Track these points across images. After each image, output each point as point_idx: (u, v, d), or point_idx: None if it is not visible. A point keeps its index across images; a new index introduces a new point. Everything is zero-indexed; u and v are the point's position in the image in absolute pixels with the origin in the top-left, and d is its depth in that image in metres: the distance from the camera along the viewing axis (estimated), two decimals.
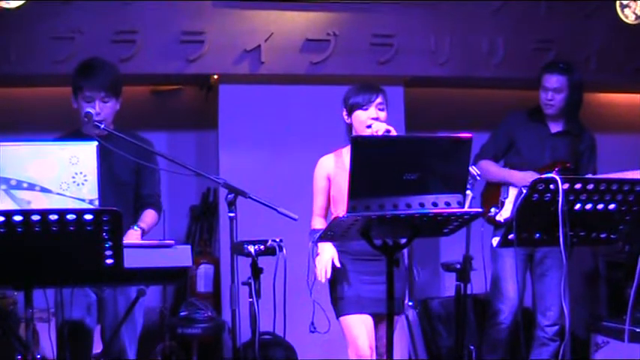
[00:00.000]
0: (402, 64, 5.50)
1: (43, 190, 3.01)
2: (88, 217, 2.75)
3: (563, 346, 3.33)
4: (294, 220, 3.52)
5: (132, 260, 2.97)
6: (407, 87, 5.61)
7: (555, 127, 4.89)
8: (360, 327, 3.76)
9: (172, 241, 3.27)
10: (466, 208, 3.11)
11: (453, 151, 3.06)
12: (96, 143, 3.11)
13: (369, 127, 3.78)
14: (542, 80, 4.84)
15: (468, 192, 3.13)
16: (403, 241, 3.27)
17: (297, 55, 5.37)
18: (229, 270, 3.42)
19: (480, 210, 3.23)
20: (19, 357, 3.47)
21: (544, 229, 3.24)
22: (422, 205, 3.02)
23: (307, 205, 3.68)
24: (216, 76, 5.45)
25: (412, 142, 3.23)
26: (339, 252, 3.77)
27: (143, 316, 3.97)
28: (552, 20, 5.71)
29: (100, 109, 3.76)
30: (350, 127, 3.90)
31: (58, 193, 3.02)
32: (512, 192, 4.83)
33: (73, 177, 3.04)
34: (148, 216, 3.92)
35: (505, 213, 4.82)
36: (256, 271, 3.41)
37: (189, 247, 3.30)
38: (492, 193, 4.90)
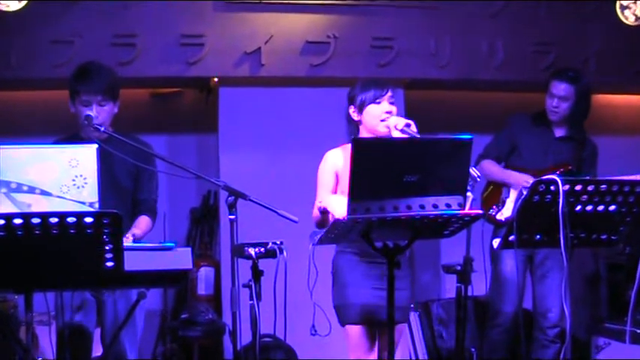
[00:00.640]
0: (402, 67, 5.50)
1: (44, 193, 3.01)
2: (89, 219, 2.76)
3: (564, 348, 3.33)
4: (295, 222, 3.51)
5: (132, 263, 2.97)
6: (407, 89, 5.61)
7: (559, 132, 4.89)
8: (362, 337, 3.69)
9: (173, 244, 3.26)
10: (466, 210, 3.11)
11: (454, 152, 3.06)
12: (96, 146, 3.11)
13: (383, 120, 3.65)
14: (550, 86, 4.81)
15: (469, 194, 3.12)
16: (404, 243, 3.27)
17: (297, 57, 5.37)
18: (230, 272, 3.41)
19: (480, 212, 3.22)
20: None
21: (545, 230, 3.24)
22: (422, 207, 3.02)
23: (308, 208, 3.67)
24: (216, 79, 5.45)
25: (412, 144, 3.23)
26: (347, 252, 3.71)
27: (144, 319, 3.97)
28: (552, 22, 5.71)
29: (98, 113, 3.76)
30: (356, 125, 3.76)
31: (59, 196, 3.02)
32: (514, 192, 4.84)
33: (73, 180, 3.04)
34: (142, 222, 3.91)
35: (506, 212, 4.82)
36: (257, 274, 3.41)
37: (189, 249, 3.30)
38: (494, 192, 4.91)
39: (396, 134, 3.57)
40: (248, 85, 5.45)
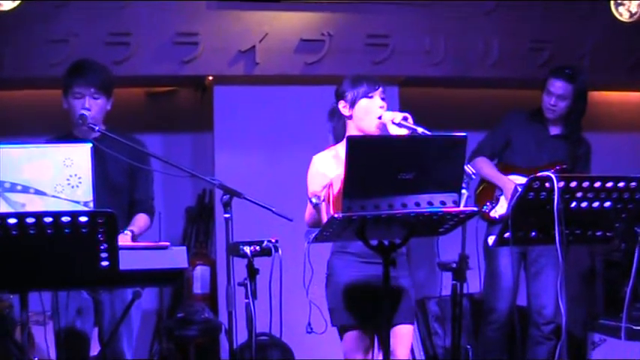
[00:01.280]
0: (396, 65, 5.50)
1: (38, 192, 3.00)
2: (83, 219, 2.74)
3: (559, 344, 3.34)
4: (290, 220, 3.52)
5: (127, 262, 2.96)
6: (402, 87, 5.61)
7: (555, 130, 4.89)
8: (358, 340, 3.65)
9: (168, 243, 3.26)
10: (461, 207, 3.11)
11: (449, 150, 3.06)
12: (90, 145, 3.10)
13: (378, 117, 3.58)
14: (548, 84, 4.78)
15: (464, 191, 3.12)
16: (399, 241, 3.27)
17: (291, 55, 5.37)
18: (225, 271, 3.41)
19: (475, 209, 3.21)
20: None
21: (540, 227, 3.24)
22: (417, 204, 3.02)
23: (303, 206, 3.67)
24: (211, 78, 5.45)
25: (407, 142, 3.23)
26: (342, 253, 3.67)
27: (140, 318, 3.96)
28: (547, 20, 5.71)
29: (90, 106, 3.75)
30: (343, 121, 3.69)
31: (53, 196, 3.01)
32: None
33: (68, 179, 3.03)
34: (140, 220, 3.90)
35: (500, 209, 4.82)
36: (252, 272, 3.41)
37: (184, 248, 3.29)
38: (487, 189, 4.90)
39: (393, 128, 3.51)
40: (243, 84, 5.45)
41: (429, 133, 3.33)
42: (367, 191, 2.96)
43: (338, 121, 3.74)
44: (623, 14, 5.75)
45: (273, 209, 3.50)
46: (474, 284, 3.83)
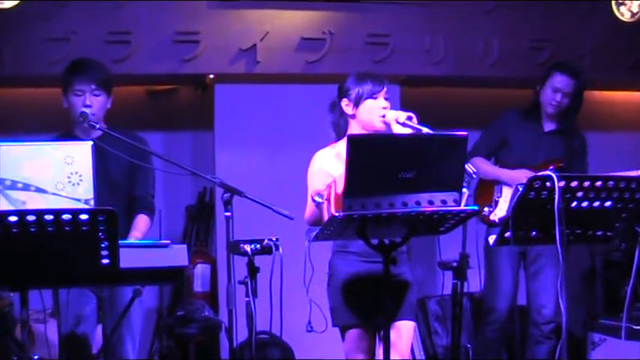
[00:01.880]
0: (397, 64, 5.49)
1: (38, 190, 3.01)
2: (84, 217, 2.74)
3: (559, 344, 3.33)
4: (290, 219, 3.52)
5: (128, 260, 2.96)
6: (402, 86, 5.60)
7: (549, 126, 4.88)
8: (359, 340, 3.64)
9: (168, 241, 3.26)
10: (462, 206, 3.11)
11: (449, 149, 3.06)
12: (91, 142, 3.10)
13: (382, 116, 3.57)
14: (552, 79, 4.76)
15: (465, 190, 3.12)
16: (399, 240, 3.27)
17: (292, 54, 5.37)
18: (226, 269, 3.41)
19: (475, 208, 3.21)
20: (15, 358, 3.47)
21: (541, 227, 3.24)
22: (418, 203, 3.02)
23: (303, 204, 3.67)
24: (211, 76, 5.44)
25: (408, 141, 3.23)
26: (344, 253, 3.66)
27: (141, 316, 3.96)
28: (547, 20, 5.71)
29: (91, 103, 3.75)
30: (345, 119, 3.68)
31: (54, 193, 3.02)
32: (506, 191, 4.82)
33: (69, 177, 3.03)
34: (141, 222, 3.90)
35: (499, 212, 4.81)
36: (253, 271, 3.41)
37: (185, 246, 3.29)
38: (486, 191, 4.90)
39: (397, 128, 3.51)
40: (243, 82, 5.45)
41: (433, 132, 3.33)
42: (368, 190, 2.96)
43: (340, 115, 3.72)
44: (624, 14, 5.74)
45: (274, 207, 3.50)
46: (474, 283, 3.82)
